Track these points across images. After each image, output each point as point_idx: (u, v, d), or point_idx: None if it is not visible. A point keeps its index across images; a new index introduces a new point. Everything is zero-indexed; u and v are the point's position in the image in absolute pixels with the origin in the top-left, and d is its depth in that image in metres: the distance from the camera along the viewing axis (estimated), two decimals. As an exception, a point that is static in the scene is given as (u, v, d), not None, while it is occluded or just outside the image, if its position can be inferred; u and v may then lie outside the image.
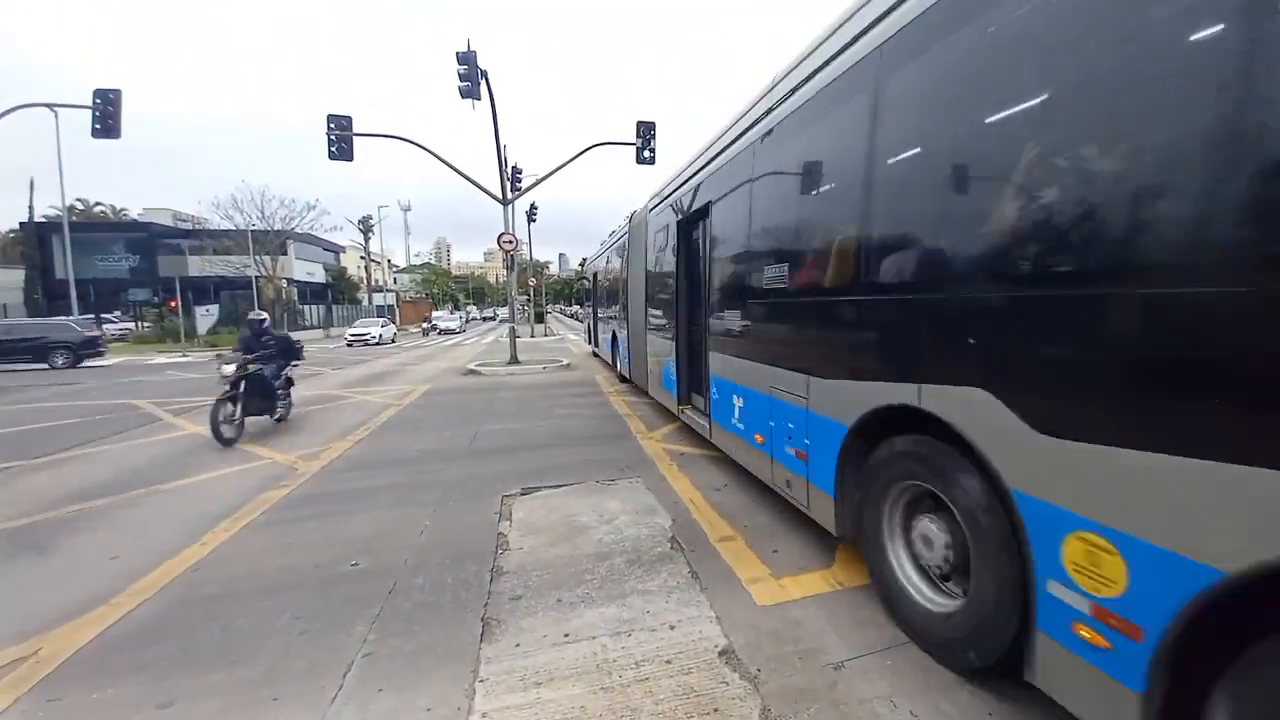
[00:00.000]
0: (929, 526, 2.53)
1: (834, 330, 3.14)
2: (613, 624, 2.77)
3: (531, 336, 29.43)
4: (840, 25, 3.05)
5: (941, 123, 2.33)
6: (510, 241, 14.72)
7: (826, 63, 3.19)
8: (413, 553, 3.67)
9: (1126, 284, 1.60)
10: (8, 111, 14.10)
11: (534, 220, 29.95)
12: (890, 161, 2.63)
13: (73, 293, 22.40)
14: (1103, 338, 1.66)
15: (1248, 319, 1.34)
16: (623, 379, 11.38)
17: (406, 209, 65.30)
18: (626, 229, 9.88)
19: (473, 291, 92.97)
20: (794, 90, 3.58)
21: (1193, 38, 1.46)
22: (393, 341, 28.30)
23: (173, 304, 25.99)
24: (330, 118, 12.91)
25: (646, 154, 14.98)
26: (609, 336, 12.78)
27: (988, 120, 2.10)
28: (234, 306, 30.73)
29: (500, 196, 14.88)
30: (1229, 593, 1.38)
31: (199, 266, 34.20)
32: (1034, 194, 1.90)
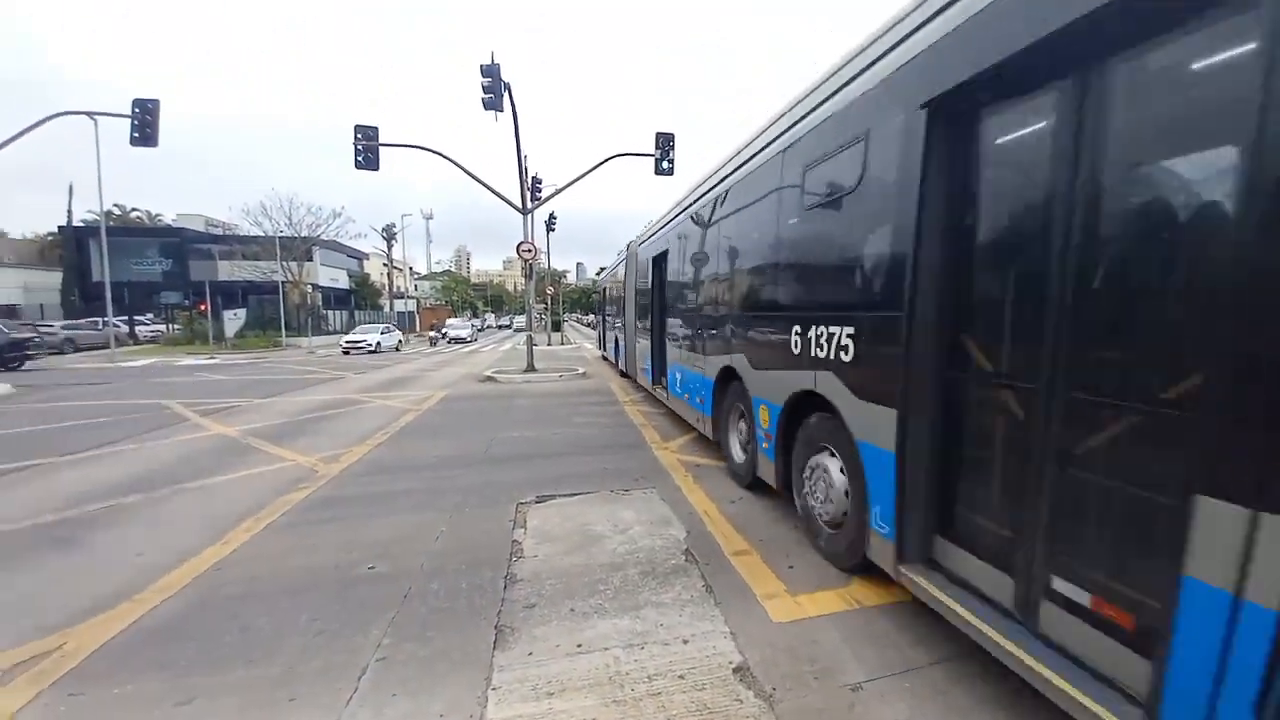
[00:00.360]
0: (740, 423, 5.18)
1: (708, 333, 5.77)
2: (626, 636, 2.75)
3: (548, 344, 29.63)
4: (684, 198, 7.07)
5: (709, 259, 5.74)
6: (529, 250, 14.88)
7: (679, 214, 7.08)
8: (429, 558, 3.69)
9: (739, 313, 4.81)
10: (47, 119, 14.64)
11: (553, 230, 30.23)
12: (711, 263, 5.70)
13: (108, 295, 23.15)
14: (753, 329, 4.49)
15: (750, 323, 4.61)
16: (622, 374, 13.92)
17: (429, 217, 66.64)
18: (625, 256, 12.21)
19: (491, 299, 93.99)
20: (674, 218, 7.47)
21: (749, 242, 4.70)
22: (397, 349, 27.29)
23: (203, 307, 26.71)
24: (358, 128, 13.22)
25: (665, 165, 15.07)
26: (613, 341, 15.22)
27: (718, 263, 5.49)
28: (260, 311, 31.49)
29: (520, 206, 15.07)
30: (784, 413, 3.91)
31: (228, 271, 35.16)
32: (730, 288, 5.08)
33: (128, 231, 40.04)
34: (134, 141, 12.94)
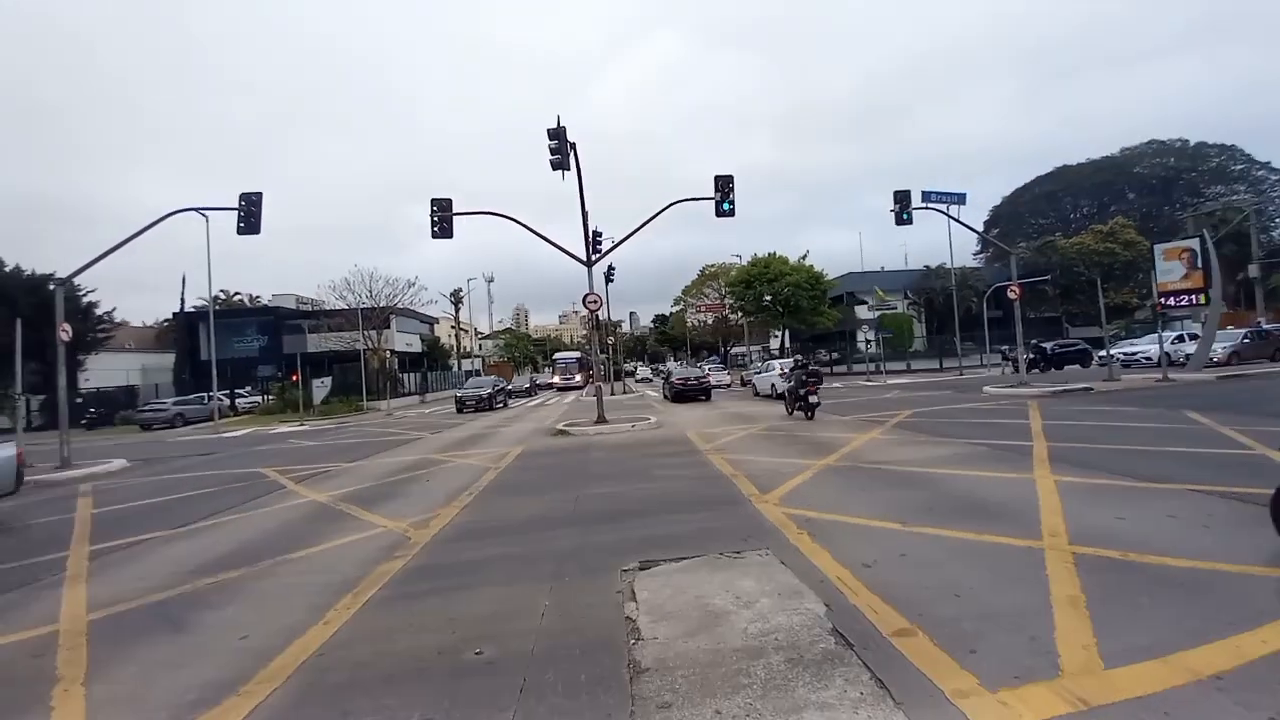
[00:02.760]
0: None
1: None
2: (794, 750, 2.22)
3: (611, 394, 29.60)
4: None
5: None
6: (595, 301, 15.00)
7: None
8: (537, 639, 3.32)
9: None
10: (165, 217, 16.01)
11: (611, 281, 30.84)
12: None
13: (214, 372, 25.35)
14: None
15: None
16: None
17: (490, 280, 70.10)
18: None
19: (550, 353, 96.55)
20: None
21: None
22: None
23: (295, 377, 28.69)
24: (433, 201, 14.06)
25: (725, 206, 15.01)
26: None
27: None
28: (344, 378, 33.48)
29: (585, 259, 15.33)
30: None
31: (316, 343, 37.95)
32: None
33: (231, 313, 44.37)
34: (240, 231, 14.26)
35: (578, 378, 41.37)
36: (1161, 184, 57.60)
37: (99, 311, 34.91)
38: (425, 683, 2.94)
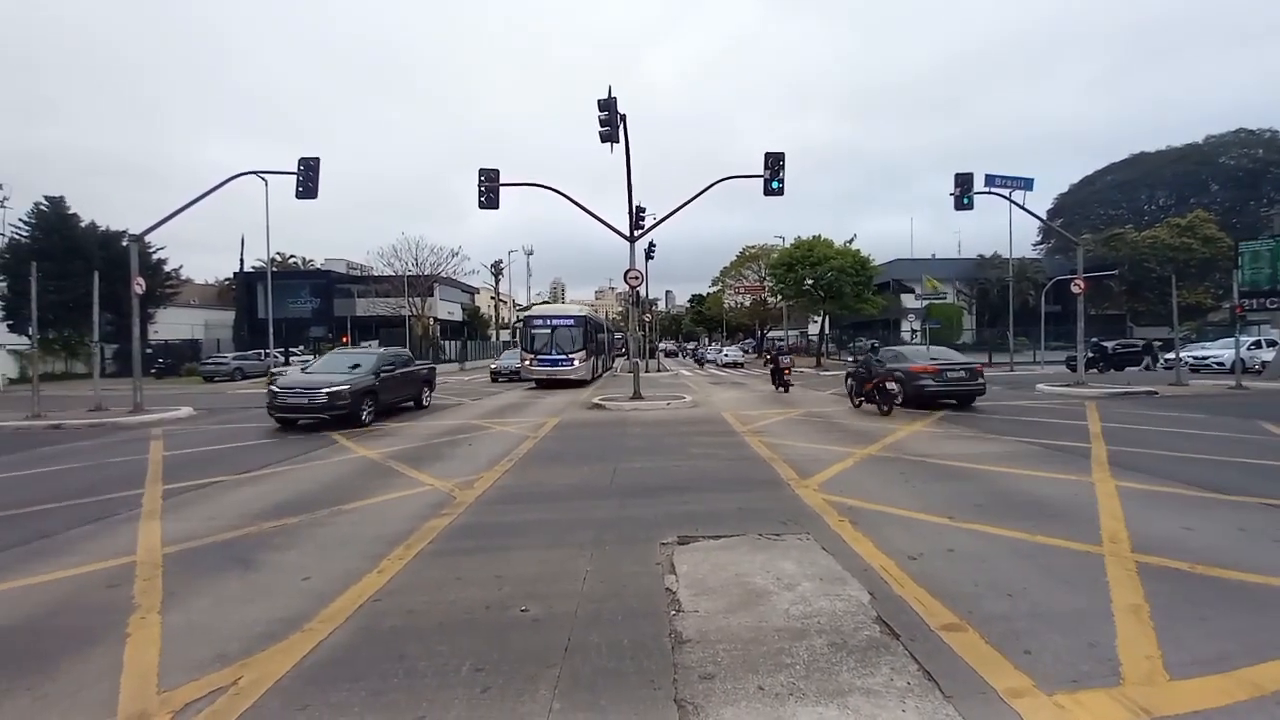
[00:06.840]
0: None
1: None
2: (840, 731, 2.23)
3: (645, 371, 29.67)
4: None
5: None
6: (637, 278, 14.95)
7: None
8: (581, 602, 3.41)
9: None
10: (228, 180, 16.69)
11: (651, 257, 30.62)
12: None
13: (270, 330, 26.59)
14: None
15: None
16: None
17: (529, 253, 70.59)
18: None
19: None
20: None
21: None
22: None
23: (345, 339, 29.82)
24: (481, 171, 14.14)
25: (775, 185, 14.59)
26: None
27: None
28: (390, 343, 34.61)
29: (628, 234, 15.24)
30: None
31: (364, 308, 39.26)
32: None
33: (286, 275, 46.15)
34: (299, 195, 14.70)
35: (576, 361, 21.58)
36: (1249, 176, 52.87)
37: (167, 268, 36.88)
38: (474, 634, 3.07)
